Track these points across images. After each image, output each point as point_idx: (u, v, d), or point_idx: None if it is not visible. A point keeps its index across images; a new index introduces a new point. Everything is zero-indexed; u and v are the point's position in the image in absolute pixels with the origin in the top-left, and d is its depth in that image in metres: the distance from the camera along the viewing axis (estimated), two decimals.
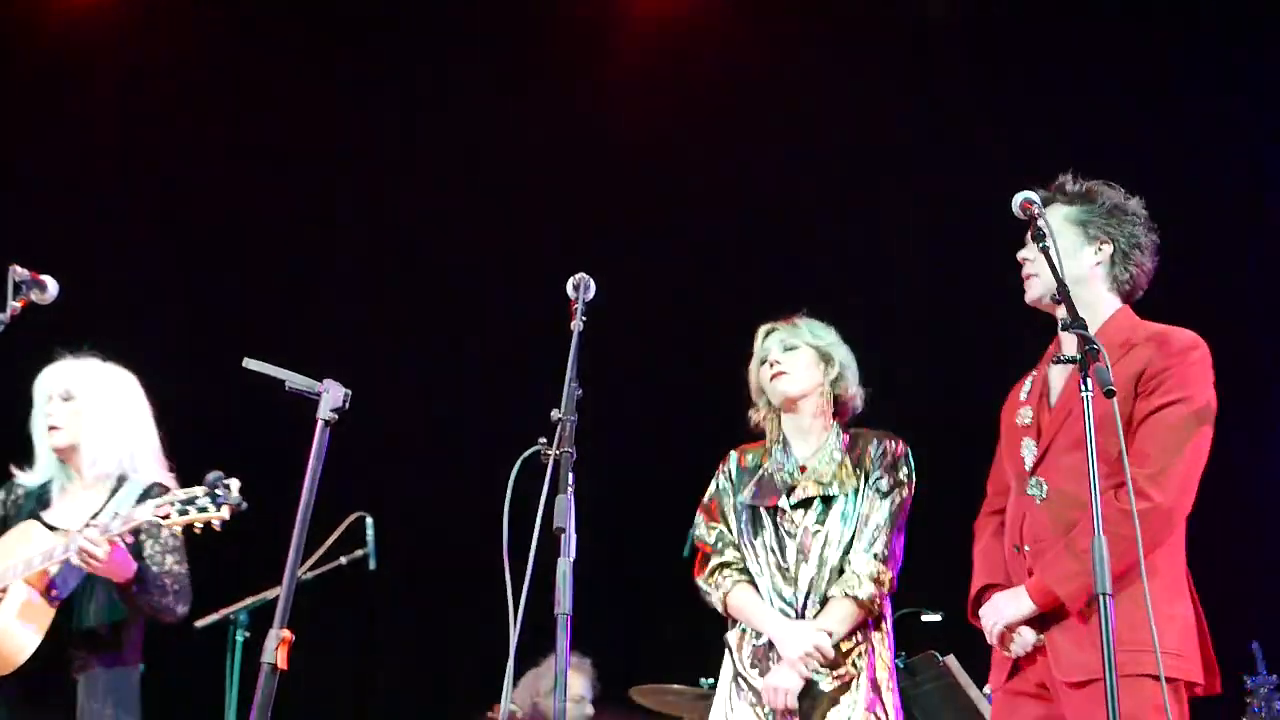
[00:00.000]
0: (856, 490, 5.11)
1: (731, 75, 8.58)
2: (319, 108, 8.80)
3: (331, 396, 3.86)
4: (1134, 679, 3.95)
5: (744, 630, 5.12)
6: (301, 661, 3.69)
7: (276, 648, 3.61)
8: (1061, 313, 4.19)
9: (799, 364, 5.23)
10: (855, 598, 4.96)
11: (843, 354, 5.30)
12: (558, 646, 3.86)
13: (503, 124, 8.70)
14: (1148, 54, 8.05)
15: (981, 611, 4.39)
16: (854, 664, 4.98)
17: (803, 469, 5.17)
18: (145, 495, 5.11)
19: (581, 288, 4.35)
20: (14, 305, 4.56)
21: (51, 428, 5.23)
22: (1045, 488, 4.31)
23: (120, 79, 8.71)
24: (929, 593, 6.06)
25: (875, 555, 5.00)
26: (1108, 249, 4.44)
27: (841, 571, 5.02)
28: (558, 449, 4.01)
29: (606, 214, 8.46)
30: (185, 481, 5.10)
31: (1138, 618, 3.91)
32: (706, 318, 8.14)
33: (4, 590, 4.93)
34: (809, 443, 5.23)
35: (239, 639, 6.50)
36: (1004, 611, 4.29)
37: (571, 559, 3.90)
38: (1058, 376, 4.42)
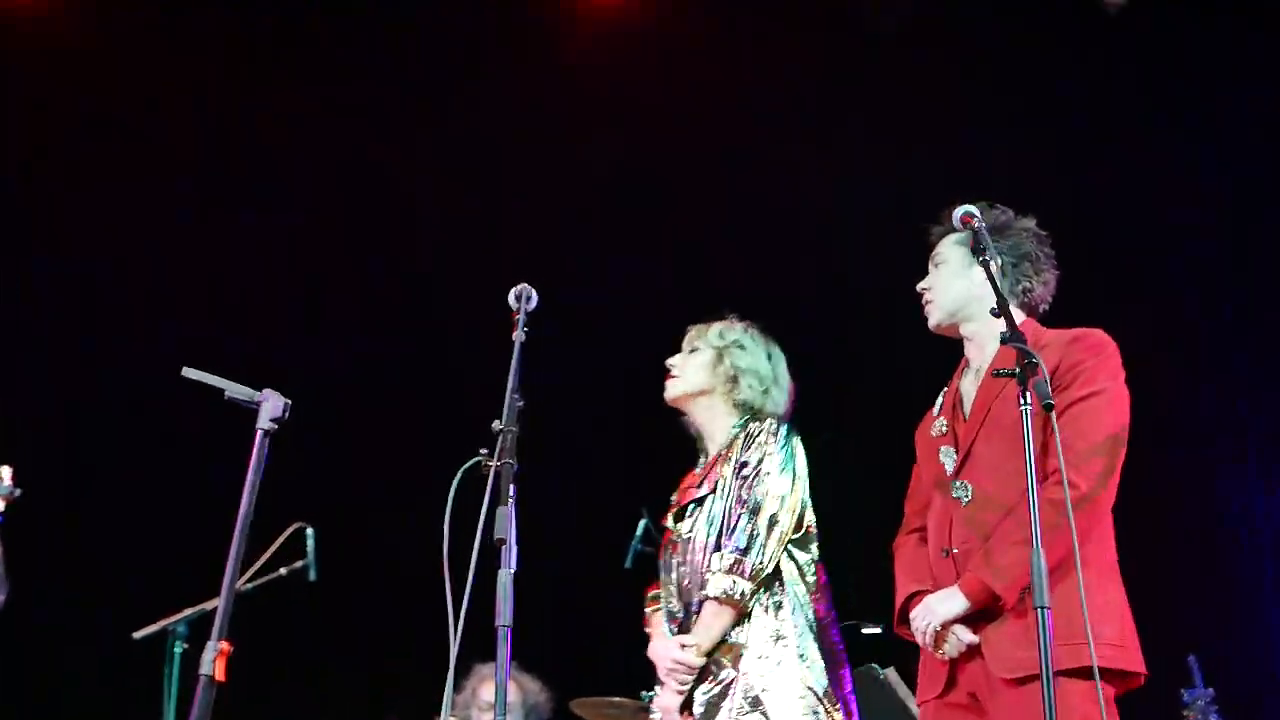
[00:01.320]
0: (725, 481, 4.97)
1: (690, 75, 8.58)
2: (272, 102, 8.74)
3: (271, 406, 3.83)
4: (1074, 673, 3.96)
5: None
6: (240, 673, 3.65)
7: (214, 659, 3.58)
8: (968, 330, 4.52)
9: (690, 365, 5.16)
10: (711, 596, 4.79)
11: (745, 358, 5.15)
12: (498, 659, 3.84)
13: (455, 124, 8.66)
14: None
15: (913, 614, 4.38)
16: (732, 665, 4.79)
17: (692, 472, 5.13)
18: None
19: (523, 298, 4.34)
20: None
21: None
22: (971, 490, 4.34)
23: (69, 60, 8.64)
24: (869, 606, 6.06)
25: (731, 547, 4.80)
26: (995, 264, 4.45)
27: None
28: (499, 460, 4.00)
29: (557, 221, 8.45)
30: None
31: (1074, 610, 3.93)
32: (657, 325, 8.13)
33: None
34: (717, 447, 5.14)
35: (177, 650, 6.45)
36: (937, 611, 4.29)
37: (512, 570, 3.90)
38: (969, 387, 4.51)
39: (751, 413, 5.08)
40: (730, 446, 5.00)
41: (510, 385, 4.13)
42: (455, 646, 3.94)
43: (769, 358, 5.19)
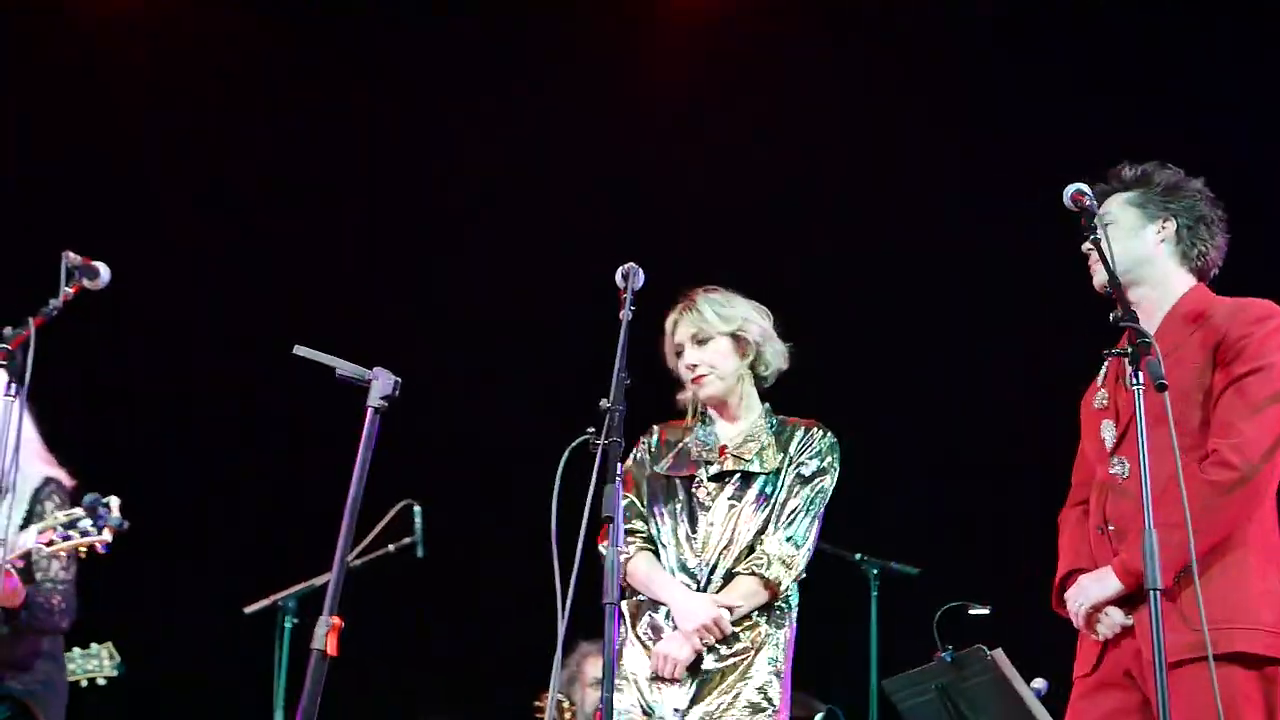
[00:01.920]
0: (778, 472, 4.94)
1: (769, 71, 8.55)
2: (366, 98, 8.79)
3: (381, 384, 3.84)
4: (1226, 659, 3.86)
5: (640, 600, 4.95)
6: (350, 648, 3.67)
7: (326, 634, 3.60)
8: (1135, 295, 4.24)
9: (715, 359, 5.03)
10: (762, 577, 4.79)
11: (756, 330, 5.06)
12: (605, 635, 3.85)
13: (546, 114, 8.68)
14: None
15: (1067, 595, 4.30)
16: (752, 644, 4.81)
17: (723, 448, 5.02)
18: (35, 498, 5.06)
19: (630, 277, 4.35)
20: (66, 291, 4.47)
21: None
22: (1128, 466, 4.22)
23: (161, 65, 8.71)
24: (977, 587, 6.01)
25: (788, 539, 4.85)
26: (1170, 225, 4.38)
27: (752, 550, 4.87)
28: (606, 438, 4.02)
29: (653, 204, 8.44)
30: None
31: (1230, 594, 3.87)
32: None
33: None
34: (735, 424, 5.08)
35: (288, 625, 6.52)
36: (1090, 592, 4.21)
37: (620, 547, 3.91)
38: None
39: (768, 375, 5.09)
40: (781, 437, 5.00)
41: (618, 364, 4.13)
42: (563, 623, 3.95)
43: (764, 316, 5.12)
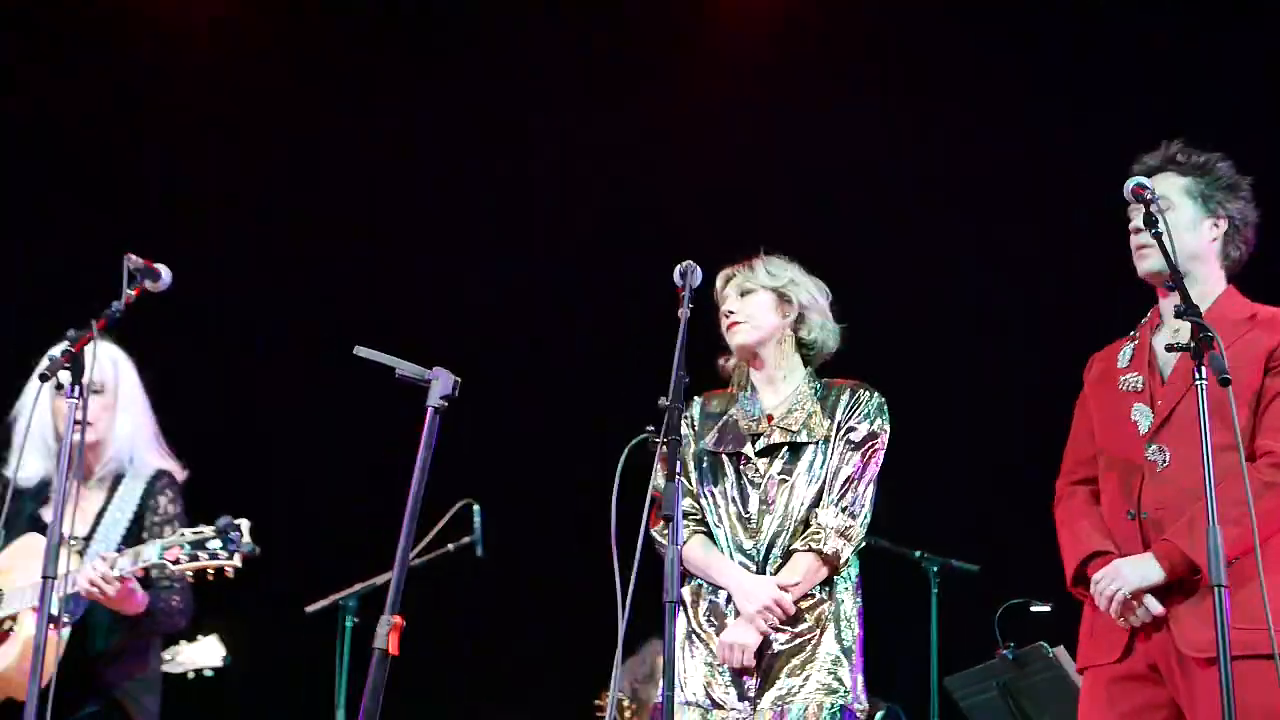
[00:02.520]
0: (827, 440, 4.76)
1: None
2: (431, 96, 8.81)
3: (441, 384, 3.84)
4: (1268, 659, 3.76)
5: (699, 585, 4.78)
6: (410, 647, 3.66)
7: (388, 633, 3.59)
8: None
9: (754, 310, 4.87)
10: (820, 552, 4.61)
11: (804, 294, 4.91)
12: (665, 633, 3.83)
13: (602, 113, 8.67)
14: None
15: (1099, 576, 4.17)
16: (816, 622, 4.64)
17: (769, 417, 4.83)
18: (149, 491, 5.02)
19: (688, 275, 4.34)
20: (129, 294, 4.44)
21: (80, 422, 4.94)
22: (1168, 454, 4.16)
23: (229, 65, 8.75)
24: (1036, 583, 5.96)
25: (843, 509, 4.68)
26: (1223, 225, 4.35)
27: (807, 524, 4.68)
28: (666, 436, 4.00)
29: (710, 202, 8.42)
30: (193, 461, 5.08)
31: (1275, 593, 3.81)
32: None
33: (14, 618, 4.82)
34: (777, 391, 4.90)
35: (349, 624, 6.54)
36: (1129, 577, 4.10)
37: (680, 545, 3.89)
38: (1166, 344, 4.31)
39: (815, 353, 4.93)
40: (827, 402, 4.83)
41: (676, 362, 4.12)
42: (623, 622, 3.94)
43: (820, 289, 4.97)
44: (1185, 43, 7.94)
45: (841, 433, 4.76)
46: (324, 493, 8.32)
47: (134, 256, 4.56)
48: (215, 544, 4.61)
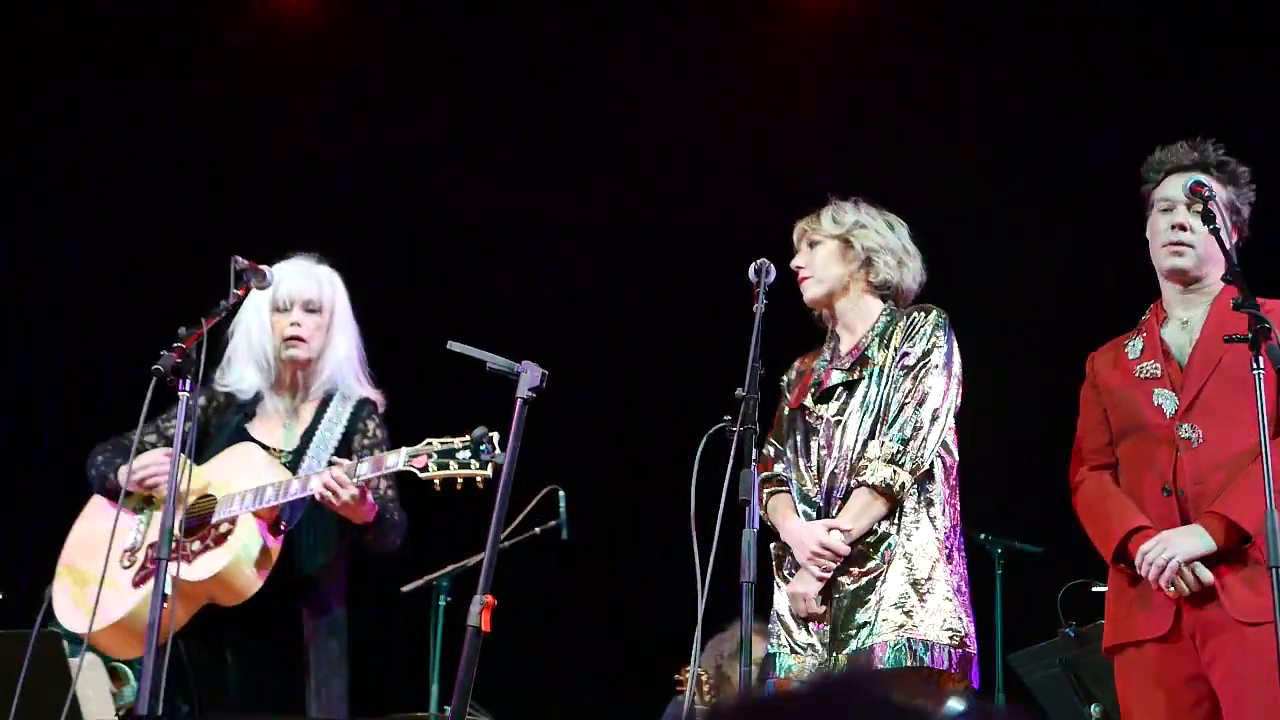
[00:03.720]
0: (883, 370, 4.58)
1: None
2: (510, 94, 8.88)
3: (529, 376, 3.92)
4: None
5: (782, 542, 4.64)
6: (499, 625, 3.75)
7: (480, 611, 3.67)
8: (1196, 285, 4.34)
9: (819, 261, 4.74)
10: (869, 484, 4.42)
11: (871, 236, 4.73)
12: (743, 612, 3.90)
13: (680, 112, 8.70)
14: None
15: (1145, 548, 4.16)
16: (882, 557, 4.44)
17: (835, 360, 4.71)
18: (356, 415, 4.90)
19: (763, 272, 4.40)
20: (235, 293, 4.52)
21: (295, 339, 4.83)
22: (1200, 432, 4.19)
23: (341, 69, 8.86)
24: (1097, 564, 5.99)
25: (893, 436, 4.45)
26: (1236, 236, 4.39)
27: (861, 460, 4.50)
28: (741, 425, 4.06)
29: (787, 199, 8.44)
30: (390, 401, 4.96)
31: None
32: None
33: (233, 521, 4.61)
34: (855, 335, 4.73)
35: (442, 603, 6.64)
36: (1181, 546, 4.10)
37: (755, 529, 3.94)
38: (1177, 336, 4.36)
39: (893, 291, 4.75)
40: (886, 332, 4.66)
41: (751, 354, 4.19)
42: (702, 601, 4.01)
43: (890, 228, 4.79)
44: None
45: (897, 359, 4.58)
46: (418, 480, 8.41)
47: (240, 258, 4.65)
48: (465, 454, 4.45)
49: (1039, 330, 7.83)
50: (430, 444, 4.52)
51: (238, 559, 4.57)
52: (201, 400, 4.64)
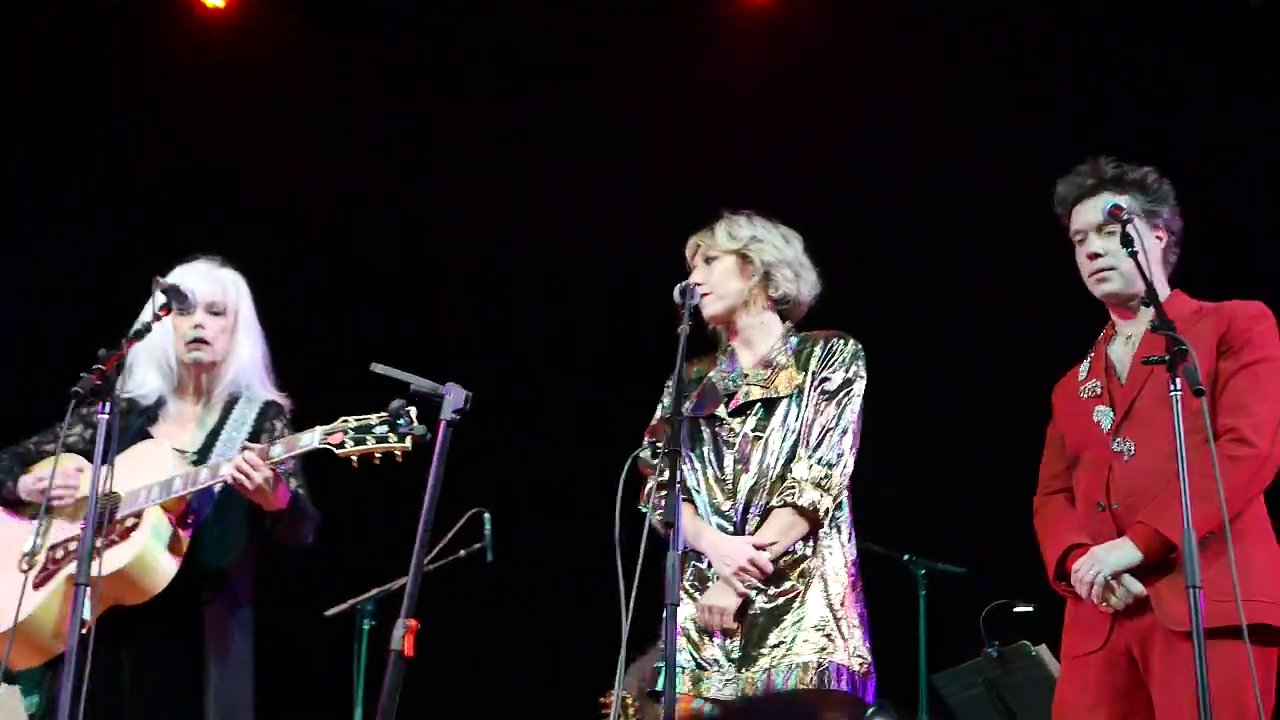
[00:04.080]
0: (801, 392, 4.58)
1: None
2: (448, 106, 8.83)
3: (454, 398, 3.88)
4: (1236, 632, 3.79)
5: (685, 553, 4.51)
6: (422, 649, 3.71)
7: (404, 636, 3.63)
8: (1133, 303, 4.33)
9: (717, 277, 4.71)
10: (795, 505, 4.42)
11: (768, 250, 4.73)
12: (665, 635, 3.87)
13: (602, 133, 8.68)
14: None
15: (1077, 565, 4.20)
16: (800, 579, 4.45)
17: (745, 376, 4.68)
18: (263, 416, 4.83)
19: (687, 294, 4.39)
20: (158, 314, 4.41)
21: (199, 341, 4.74)
22: (1133, 445, 4.22)
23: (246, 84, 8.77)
24: (1020, 584, 6.01)
25: (819, 460, 4.47)
26: (1164, 237, 4.44)
27: (784, 480, 4.49)
28: (666, 447, 4.03)
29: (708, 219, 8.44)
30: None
31: (1248, 567, 3.89)
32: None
33: (139, 515, 4.48)
34: (754, 350, 4.73)
35: (365, 627, 6.59)
36: (1107, 560, 4.13)
37: (679, 551, 3.92)
38: (1121, 352, 4.39)
39: (791, 304, 4.75)
40: (801, 354, 4.66)
41: (675, 376, 4.17)
42: (626, 624, 3.98)
43: (786, 241, 4.79)
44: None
45: (816, 383, 4.61)
46: (342, 501, 8.35)
47: (161, 279, 4.61)
48: (382, 428, 4.36)
49: (969, 353, 7.84)
50: (346, 421, 4.43)
51: (145, 551, 4.44)
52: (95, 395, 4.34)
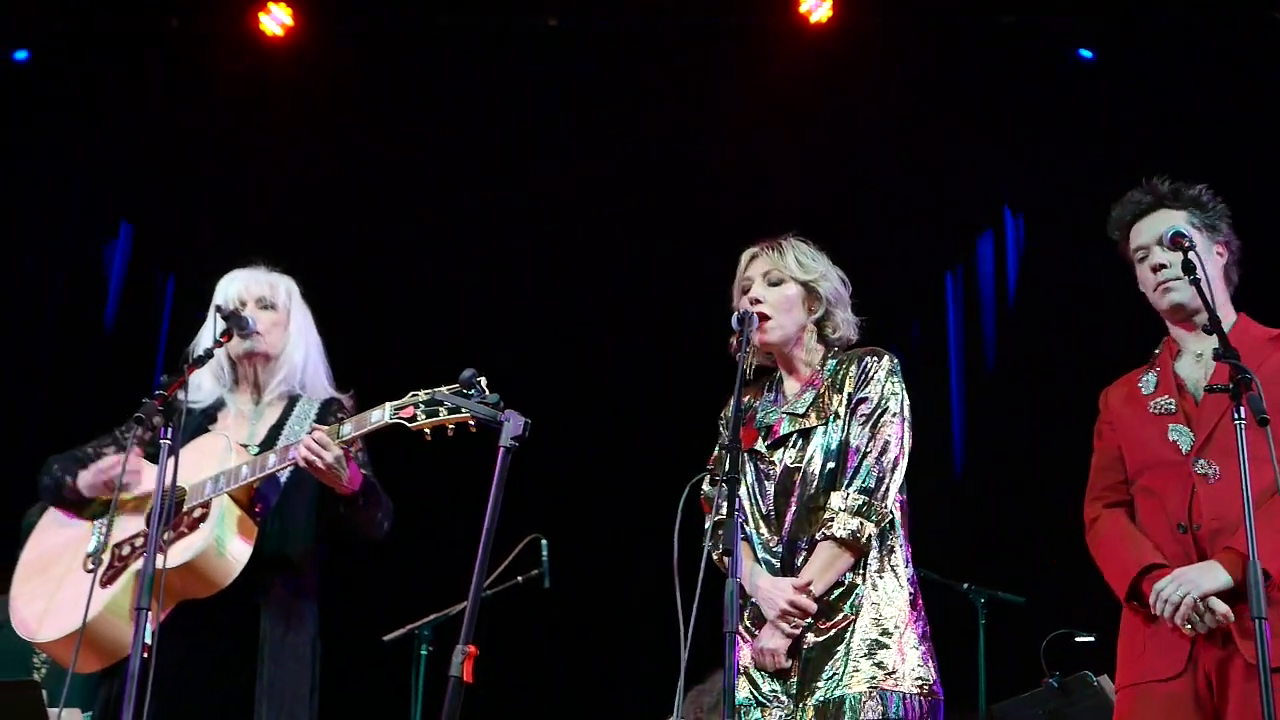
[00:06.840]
0: (838, 416, 4.44)
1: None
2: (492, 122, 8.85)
3: (512, 425, 3.86)
4: None
5: (746, 592, 4.40)
6: (480, 675, 3.69)
7: (462, 661, 3.62)
8: (1199, 319, 4.21)
9: (782, 304, 4.55)
10: (834, 537, 4.28)
11: (830, 288, 4.59)
12: (725, 663, 3.83)
13: (669, 145, 8.68)
14: None
15: (1162, 583, 4.08)
16: (850, 608, 4.29)
17: (785, 406, 4.54)
18: (326, 409, 4.78)
19: (747, 322, 4.33)
20: (219, 340, 4.53)
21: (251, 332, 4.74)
22: (1217, 469, 4.13)
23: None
24: (1081, 615, 5.95)
25: (857, 488, 4.32)
26: (1224, 254, 4.39)
27: (823, 510, 4.35)
28: (726, 475, 3.99)
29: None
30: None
31: None
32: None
33: (206, 506, 4.43)
34: (800, 379, 4.59)
35: (423, 653, 6.58)
36: (1198, 583, 4.02)
37: (739, 579, 3.87)
38: (1191, 370, 4.31)
39: (841, 342, 4.62)
40: (836, 376, 4.51)
41: (734, 404, 4.13)
42: (685, 651, 3.94)
43: (844, 281, 4.66)
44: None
45: (851, 405, 4.45)
46: (401, 527, 8.36)
47: (223, 306, 4.65)
48: (455, 399, 4.23)
49: (1028, 380, 7.80)
50: (415, 395, 4.35)
51: (215, 540, 4.38)
52: (159, 420, 4.27)
